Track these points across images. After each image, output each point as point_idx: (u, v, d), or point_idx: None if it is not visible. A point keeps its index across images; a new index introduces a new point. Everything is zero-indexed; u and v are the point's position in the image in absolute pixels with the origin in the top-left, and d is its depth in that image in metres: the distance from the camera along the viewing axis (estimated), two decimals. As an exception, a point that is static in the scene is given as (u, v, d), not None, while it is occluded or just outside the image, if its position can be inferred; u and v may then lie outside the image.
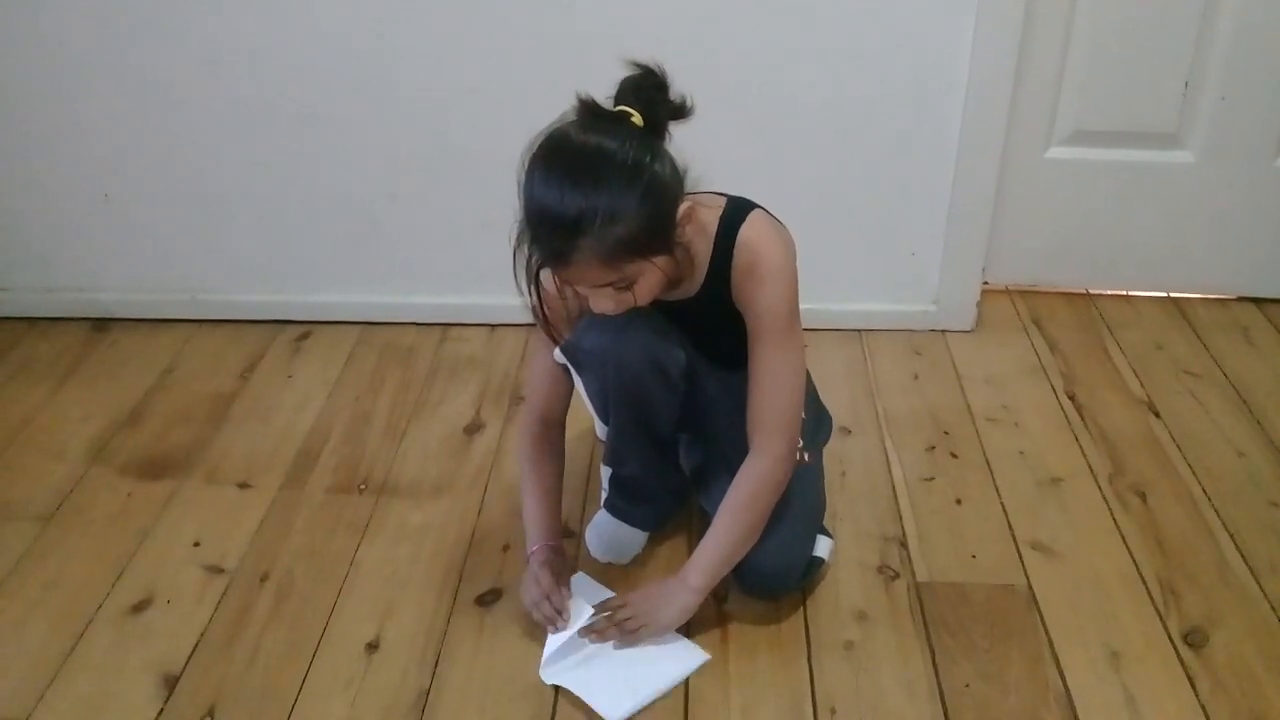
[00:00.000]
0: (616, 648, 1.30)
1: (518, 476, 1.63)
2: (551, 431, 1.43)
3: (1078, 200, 2.03)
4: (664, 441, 1.44)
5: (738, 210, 1.29)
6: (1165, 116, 1.94)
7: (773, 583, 1.38)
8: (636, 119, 1.14)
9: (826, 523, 1.52)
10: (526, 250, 1.15)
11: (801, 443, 1.42)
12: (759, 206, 1.31)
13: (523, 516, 1.41)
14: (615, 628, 1.30)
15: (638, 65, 1.17)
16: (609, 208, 1.09)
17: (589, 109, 1.14)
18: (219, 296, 2.08)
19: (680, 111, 1.17)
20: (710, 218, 1.27)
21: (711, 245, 1.27)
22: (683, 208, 1.16)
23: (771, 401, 1.29)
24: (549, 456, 1.43)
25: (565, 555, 1.42)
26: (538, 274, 1.18)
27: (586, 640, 1.31)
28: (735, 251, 1.26)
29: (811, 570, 1.40)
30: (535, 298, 1.21)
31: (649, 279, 1.18)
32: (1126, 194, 2.02)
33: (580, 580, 1.44)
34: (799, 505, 1.38)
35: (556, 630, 1.32)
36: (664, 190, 1.14)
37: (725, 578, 1.33)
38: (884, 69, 1.80)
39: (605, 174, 1.10)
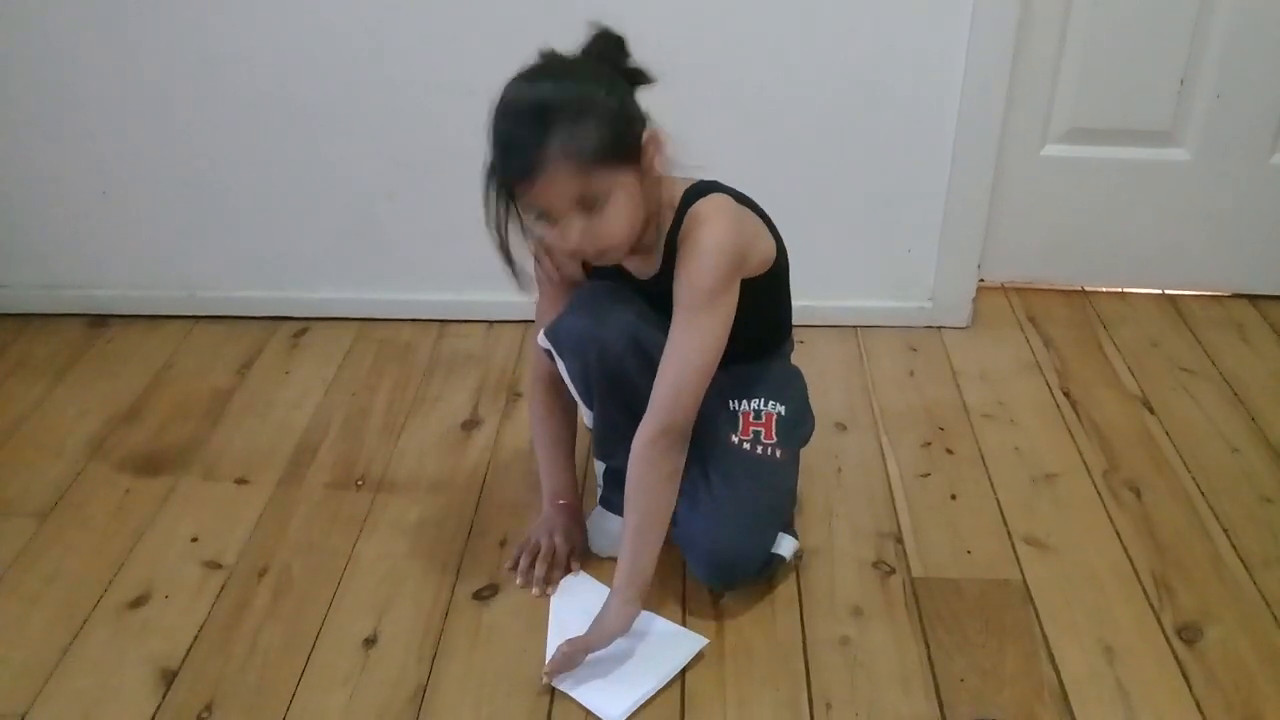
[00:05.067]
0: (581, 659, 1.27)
1: (516, 472, 1.65)
2: (561, 386, 1.44)
3: (1073, 198, 2.04)
4: None
5: (704, 187, 1.29)
6: (1160, 114, 1.95)
7: (722, 570, 1.36)
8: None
9: (821, 519, 1.53)
10: (495, 180, 1.19)
11: (775, 439, 1.42)
12: (734, 193, 1.31)
13: (539, 470, 1.47)
14: (563, 655, 1.26)
15: (596, 26, 1.21)
16: (574, 102, 1.14)
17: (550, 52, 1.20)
18: (217, 293, 2.08)
19: (640, 75, 1.22)
20: (677, 191, 1.29)
21: (672, 218, 1.28)
22: (648, 132, 1.19)
23: (666, 379, 1.26)
24: (560, 411, 1.46)
25: (583, 522, 1.46)
26: (510, 199, 1.19)
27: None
28: (684, 222, 1.27)
29: (771, 567, 1.40)
30: (503, 232, 1.23)
31: (619, 202, 1.18)
32: (1122, 191, 2.03)
33: (581, 580, 1.43)
34: (762, 497, 1.38)
35: (534, 594, 1.37)
36: (626, 97, 1.18)
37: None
38: (880, 66, 1.80)
39: (568, 75, 1.17)
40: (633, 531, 1.29)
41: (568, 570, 1.43)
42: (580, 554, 1.44)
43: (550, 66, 1.19)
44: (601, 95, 1.15)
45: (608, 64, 1.20)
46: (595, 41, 1.21)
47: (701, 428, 1.32)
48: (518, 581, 1.41)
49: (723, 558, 1.35)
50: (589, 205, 1.17)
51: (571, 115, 1.12)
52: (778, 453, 1.41)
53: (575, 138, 1.12)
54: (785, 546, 1.40)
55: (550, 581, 1.39)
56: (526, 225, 1.24)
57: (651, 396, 1.27)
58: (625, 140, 1.17)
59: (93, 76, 1.87)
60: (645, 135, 1.20)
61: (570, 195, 1.16)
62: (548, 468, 1.47)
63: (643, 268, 1.33)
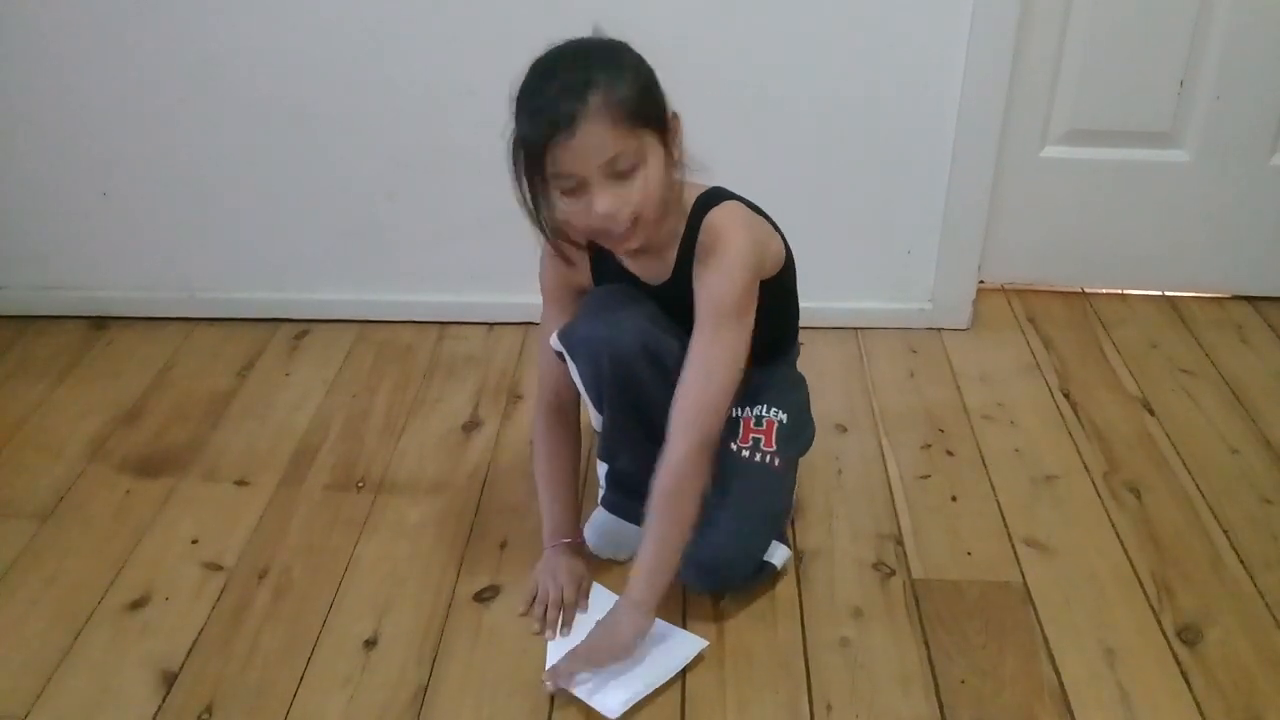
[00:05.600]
0: (593, 673, 1.26)
1: (515, 473, 1.65)
2: (566, 412, 1.44)
3: (1073, 199, 2.04)
4: (658, 433, 1.43)
5: (716, 195, 1.29)
6: (1160, 115, 1.95)
7: (711, 576, 1.35)
8: None
9: (821, 520, 1.53)
10: (526, 142, 1.17)
11: (774, 447, 1.41)
12: (743, 200, 1.31)
13: (540, 505, 1.43)
14: (576, 660, 1.26)
15: (597, 32, 1.21)
16: (613, 66, 1.16)
17: None
18: (217, 294, 2.08)
19: None
20: (690, 196, 1.29)
21: (684, 224, 1.28)
22: (671, 111, 1.21)
23: (694, 392, 1.25)
24: (564, 441, 1.45)
25: (586, 557, 1.43)
26: (544, 152, 1.15)
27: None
28: (700, 232, 1.27)
29: (762, 575, 1.40)
30: (530, 195, 1.21)
31: (651, 169, 1.18)
32: (1122, 193, 2.03)
33: (596, 590, 1.42)
34: (757, 505, 1.38)
35: (548, 638, 1.34)
36: (653, 74, 1.20)
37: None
38: (880, 67, 1.80)
39: (601, 46, 1.19)
40: (658, 541, 1.26)
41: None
42: (588, 591, 1.41)
43: (579, 42, 1.20)
44: (635, 63, 1.19)
45: None
46: None
47: (723, 439, 1.31)
48: (534, 629, 1.36)
49: (713, 564, 1.34)
50: (621, 168, 1.16)
51: (613, 70, 1.15)
52: (776, 461, 1.41)
53: (616, 91, 1.14)
54: (778, 555, 1.40)
55: (567, 624, 1.36)
56: (545, 213, 1.23)
57: (680, 411, 1.25)
58: (657, 104, 1.19)
59: (92, 77, 1.87)
60: (670, 112, 1.22)
61: (606, 153, 1.15)
62: (550, 505, 1.43)
63: (654, 273, 1.33)
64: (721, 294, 1.24)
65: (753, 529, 1.38)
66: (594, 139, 1.14)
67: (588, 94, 1.12)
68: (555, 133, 1.13)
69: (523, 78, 1.18)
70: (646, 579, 1.27)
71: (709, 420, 1.26)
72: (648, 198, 1.19)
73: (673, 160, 1.22)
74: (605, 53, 1.18)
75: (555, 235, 1.29)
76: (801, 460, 1.51)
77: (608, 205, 1.17)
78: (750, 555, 1.37)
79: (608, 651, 1.26)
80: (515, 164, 1.20)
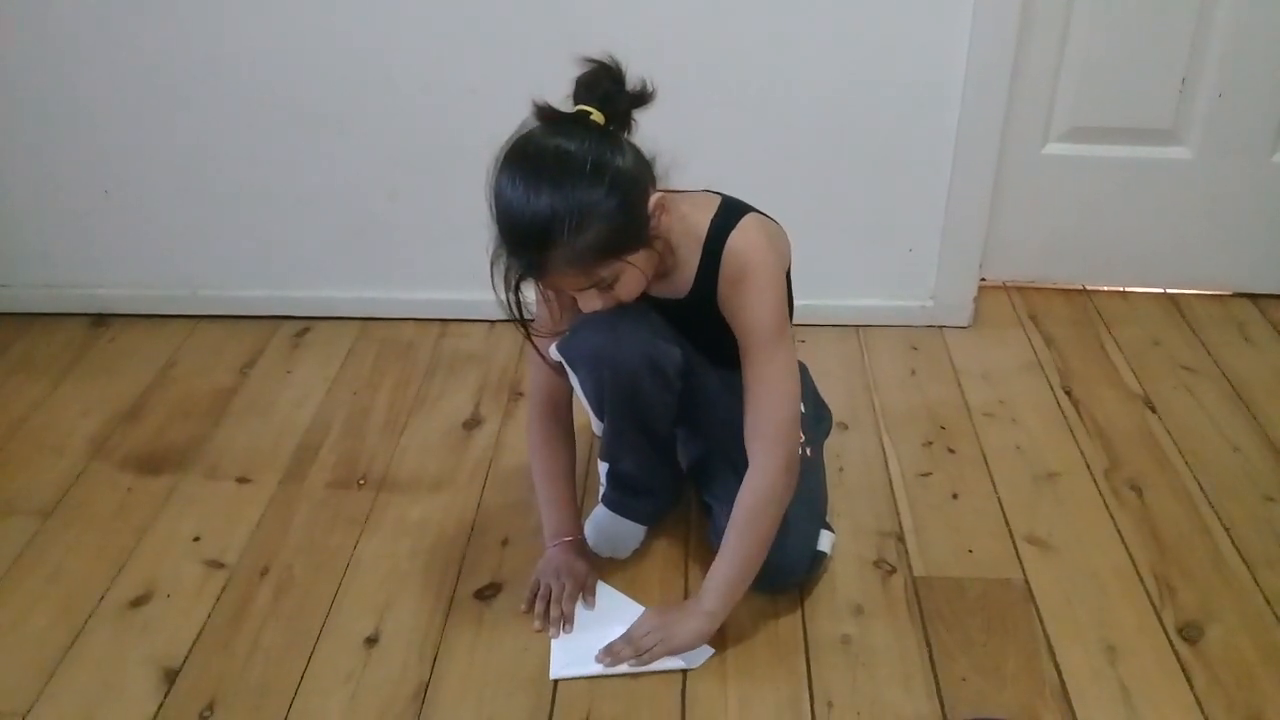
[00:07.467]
0: (631, 666, 1.29)
1: (517, 471, 1.65)
2: (560, 413, 1.44)
3: (1075, 196, 2.04)
4: (661, 438, 1.44)
5: (729, 214, 1.28)
6: (1162, 113, 1.95)
7: (781, 577, 1.37)
8: (596, 116, 1.14)
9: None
10: (504, 263, 1.17)
11: (803, 437, 1.42)
12: (753, 209, 1.31)
13: (539, 506, 1.43)
14: (631, 647, 1.29)
15: (590, 61, 1.17)
16: (575, 213, 1.09)
17: (545, 113, 1.14)
18: (219, 292, 2.09)
19: (641, 99, 1.18)
20: (700, 220, 1.28)
21: (700, 251, 1.27)
22: (654, 199, 1.17)
23: (769, 412, 1.27)
24: (560, 441, 1.44)
25: (588, 555, 1.43)
26: (518, 285, 1.18)
27: (589, 640, 1.32)
28: (723, 260, 1.26)
29: (815, 564, 1.41)
30: (516, 309, 1.20)
31: (630, 276, 1.19)
32: (1123, 190, 2.03)
33: (600, 588, 1.42)
34: (805, 500, 1.38)
35: (551, 634, 1.35)
36: (630, 185, 1.14)
37: None
38: (882, 65, 1.80)
39: (566, 178, 1.10)
40: (740, 556, 1.28)
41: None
42: (591, 588, 1.41)
43: (543, 165, 1.11)
44: (601, 197, 1.10)
45: (606, 103, 1.15)
46: (588, 79, 1.17)
47: (734, 439, 1.31)
48: (535, 625, 1.36)
49: (781, 566, 1.35)
50: (603, 288, 1.19)
51: (573, 227, 1.10)
52: (808, 450, 1.42)
53: (580, 240, 1.11)
54: (825, 542, 1.41)
55: (568, 619, 1.36)
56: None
57: (760, 433, 1.27)
58: (629, 231, 1.15)
59: (95, 76, 1.87)
60: (651, 204, 1.17)
61: (578, 287, 1.19)
62: (548, 506, 1.43)
63: (667, 291, 1.32)
64: (763, 320, 1.26)
65: (806, 527, 1.39)
66: (565, 280, 1.18)
67: (550, 247, 1.11)
68: (527, 273, 1.16)
69: (493, 187, 1.14)
70: (721, 591, 1.29)
71: (791, 434, 1.28)
72: (632, 293, 1.22)
73: (661, 236, 1.21)
74: (566, 197, 1.09)
75: (539, 333, 1.33)
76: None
77: (592, 307, 1.22)
78: (811, 549, 1.38)
79: (664, 646, 1.28)
80: (494, 268, 1.19)
